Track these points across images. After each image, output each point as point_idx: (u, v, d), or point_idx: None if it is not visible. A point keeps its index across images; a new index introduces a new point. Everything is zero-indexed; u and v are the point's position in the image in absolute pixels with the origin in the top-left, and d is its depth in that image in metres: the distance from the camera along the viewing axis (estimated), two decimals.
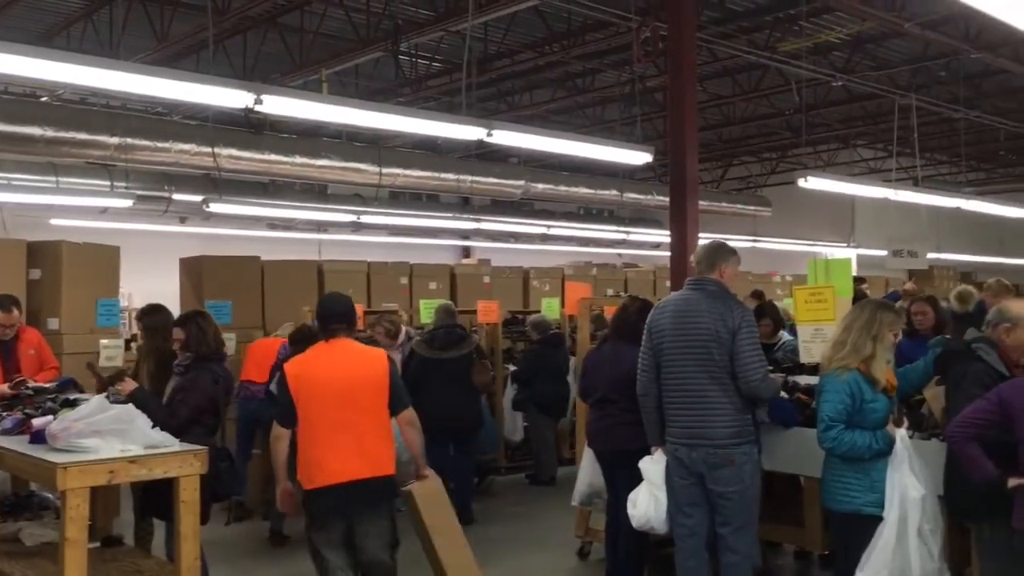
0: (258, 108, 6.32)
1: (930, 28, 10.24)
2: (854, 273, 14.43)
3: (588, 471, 5.81)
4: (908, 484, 3.86)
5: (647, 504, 4.53)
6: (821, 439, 3.99)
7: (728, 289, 4.50)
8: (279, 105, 6.53)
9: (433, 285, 11.89)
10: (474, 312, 9.49)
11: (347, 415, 4.15)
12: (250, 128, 11.60)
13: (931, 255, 16.92)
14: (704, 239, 15.73)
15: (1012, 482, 3.54)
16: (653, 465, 4.55)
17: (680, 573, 4.49)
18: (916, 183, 14.89)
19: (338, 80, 12.60)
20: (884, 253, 15.33)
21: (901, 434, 3.91)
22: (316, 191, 16.73)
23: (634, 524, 4.61)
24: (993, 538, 3.93)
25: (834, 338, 4.16)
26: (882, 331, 4.02)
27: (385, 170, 12.61)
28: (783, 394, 4.97)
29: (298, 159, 11.81)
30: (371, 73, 12.97)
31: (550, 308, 9.79)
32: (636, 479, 4.79)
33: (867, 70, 13.27)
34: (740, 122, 17.02)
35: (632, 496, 4.62)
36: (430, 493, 4.74)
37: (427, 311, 9.12)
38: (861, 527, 3.97)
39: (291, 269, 9.71)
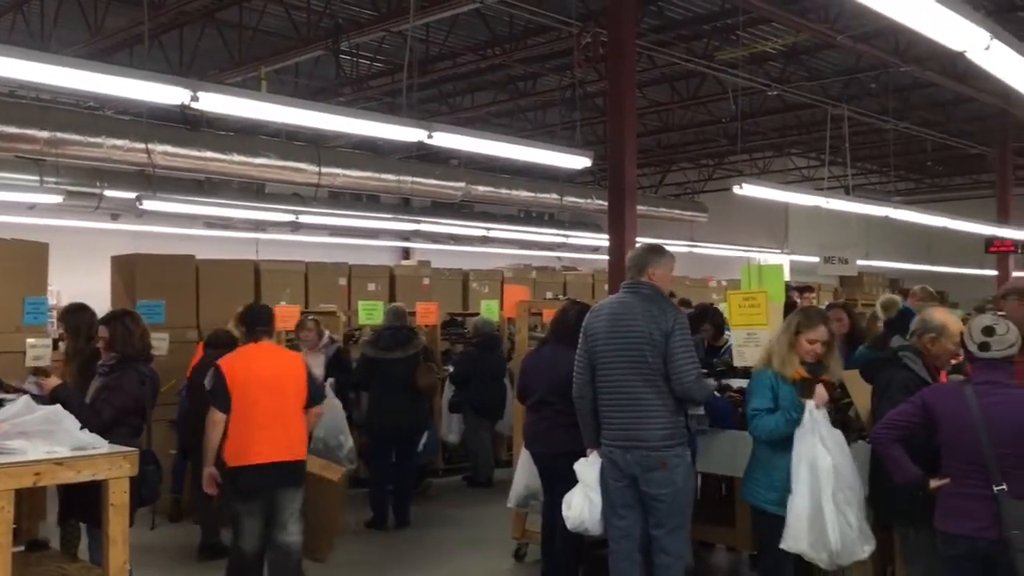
0: (194, 105, 6.21)
1: (861, 41, 10.51)
2: (787, 279, 14.75)
3: (524, 473, 5.80)
4: (817, 454, 4.02)
5: (581, 506, 4.55)
6: (750, 430, 4.32)
7: (662, 292, 4.53)
8: (216, 102, 6.43)
9: (372, 286, 11.82)
10: (413, 314, 9.46)
11: (275, 406, 4.85)
12: (186, 125, 11.40)
13: (861, 262, 17.35)
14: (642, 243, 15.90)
15: (933, 483, 3.64)
16: (587, 467, 4.57)
17: (613, 574, 4.52)
18: (847, 192, 15.25)
19: (277, 78, 12.47)
20: (816, 259, 15.66)
21: (810, 405, 4.10)
22: (254, 190, 16.50)
23: (568, 525, 4.63)
24: (918, 540, 4.07)
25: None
26: (786, 335, 4.35)
27: (325, 170, 12.50)
28: (716, 394, 5.06)
29: (236, 157, 11.64)
30: (311, 72, 12.86)
31: (489, 310, 9.80)
32: (573, 481, 4.80)
33: (801, 80, 13.59)
34: (678, 128, 17.28)
35: (567, 498, 4.64)
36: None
37: (366, 312, 9.07)
38: (765, 523, 4.23)
39: (227, 269, 9.55)
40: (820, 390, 4.14)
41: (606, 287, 9.81)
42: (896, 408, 3.82)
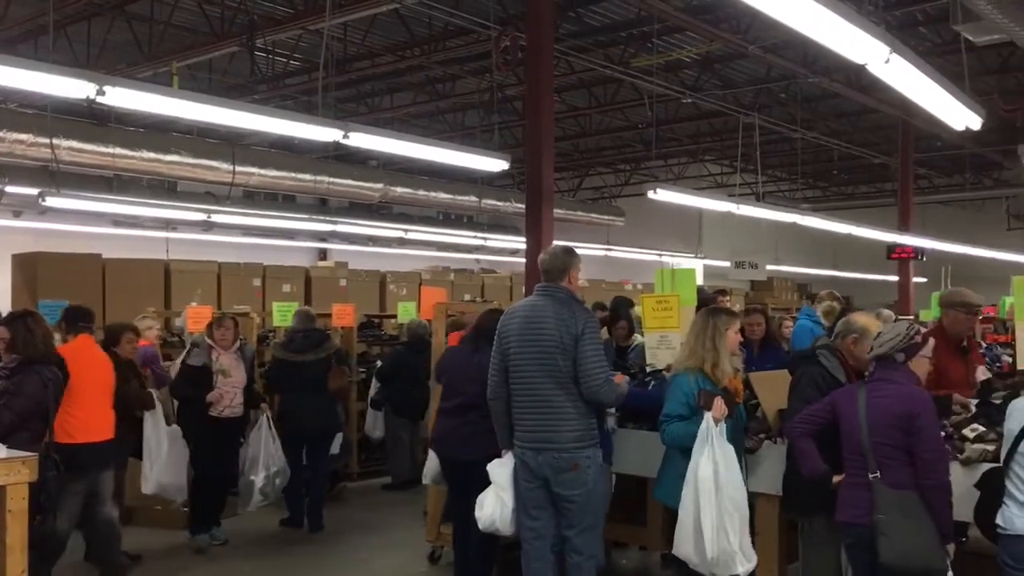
0: (100, 100, 6.02)
1: (772, 52, 10.81)
2: (700, 283, 15.04)
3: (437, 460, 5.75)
4: (702, 465, 4.05)
5: (493, 506, 4.55)
6: (660, 434, 4.35)
7: (575, 295, 4.58)
8: (123, 97, 6.24)
9: (287, 287, 11.67)
10: (329, 315, 9.36)
11: (104, 389, 5.35)
12: (93, 120, 11.05)
13: (771, 267, 17.86)
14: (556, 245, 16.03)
15: (836, 479, 3.88)
16: (500, 468, 4.59)
17: (526, 574, 4.54)
18: (758, 198, 15.71)
19: (190, 74, 12.19)
20: (728, 264, 16.06)
21: (708, 417, 4.10)
22: (165, 188, 16.09)
23: (480, 526, 4.63)
24: (812, 531, 4.27)
25: (683, 344, 4.54)
26: (718, 333, 4.32)
27: (239, 168, 12.28)
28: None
29: (145, 154, 11.34)
30: (225, 68, 12.61)
31: (406, 312, 9.77)
32: (483, 484, 4.85)
33: (714, 88, 13.90)
34: (596, 133, 17.49)
35: (480, 498, 4.64)
36: None
37: (280, 314, 8.94)
38: (670, 517, 4.35)
39: (135, 268, 9.33)
40: (719, 403, 4.13)
41: (523, 290, 9.85)
42: (813, 405, 4.03)
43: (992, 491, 3.83)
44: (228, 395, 6.47)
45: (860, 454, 3.76)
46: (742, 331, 6.73)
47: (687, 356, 4.40)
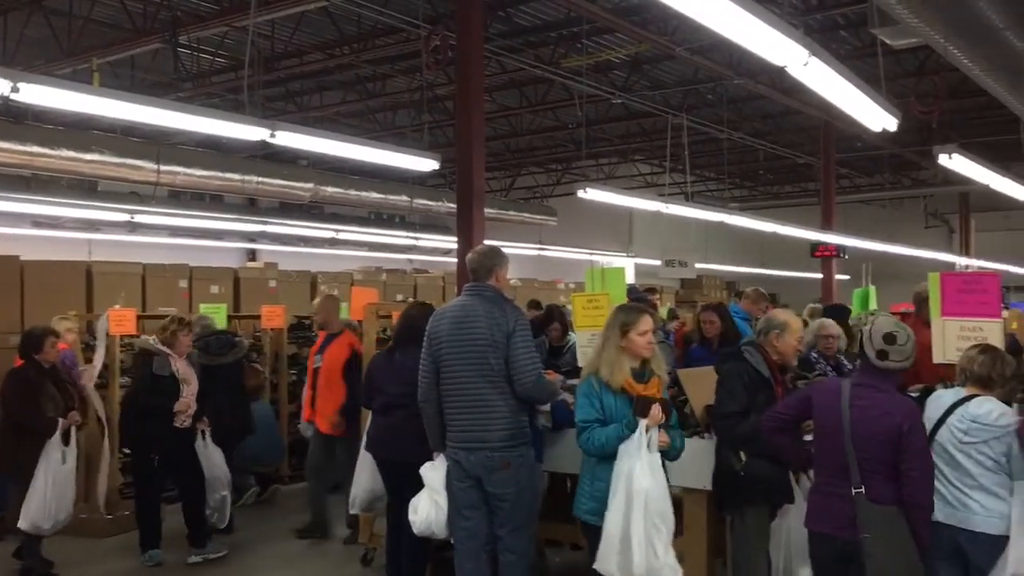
0: (15, 97, 5.82)
1: (699, 54, 10.98)
2: (631, 282, 15.23)
3: (366, 476, 5.70)
4: (636, 475, 3.82)
5: (428, 510, 4.53)
6: (579, 443, 4.04)
7: (503, 294, 4.59)
8: (39, 95, 6.02)
9: (215, 289, 11.44)
10: (258, 317, 9.23)
11: None
12: (9, 118, 10.70)
13: (700, 265, 18.14)
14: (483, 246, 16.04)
15: (803, 478, 4.00)
16: (433, 471, 4.57)
17: (459, 574, 4.54)
18: (687, 198, 15.95)
19: (112, 71, 11.89)
20: (658, 263, 16.26)
21: (642, 426, 3.86)
22: (86, 187, 15.65)
23: (415, 530, 4.60)
24: (744, 527, 4.35)
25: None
26: (611, 334, 4.05)
27: (164, 168, 11.97)
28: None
29: (65, 152, 10.97)
30: (148, 66, 12.33)
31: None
32: (421, 484, 4.81)
33: (644, 89, 14.08)
34: (527, 133, 17.57)
35: (413, 502, 4.61)
36: None
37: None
38: (588, 535, 4.07)
39: (56, 270, 9.05)
40: (656, 411, 3.88)
41: (456, 290, 9.84)
42: (784, 401, 4.10)
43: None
44: (190, 404, 6.30)
45: (842, 464, 3.60)
46: (699, 328, 6.87)
47: (592, 358, 4.17)
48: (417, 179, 16.61)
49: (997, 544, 3.68)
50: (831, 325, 6.23)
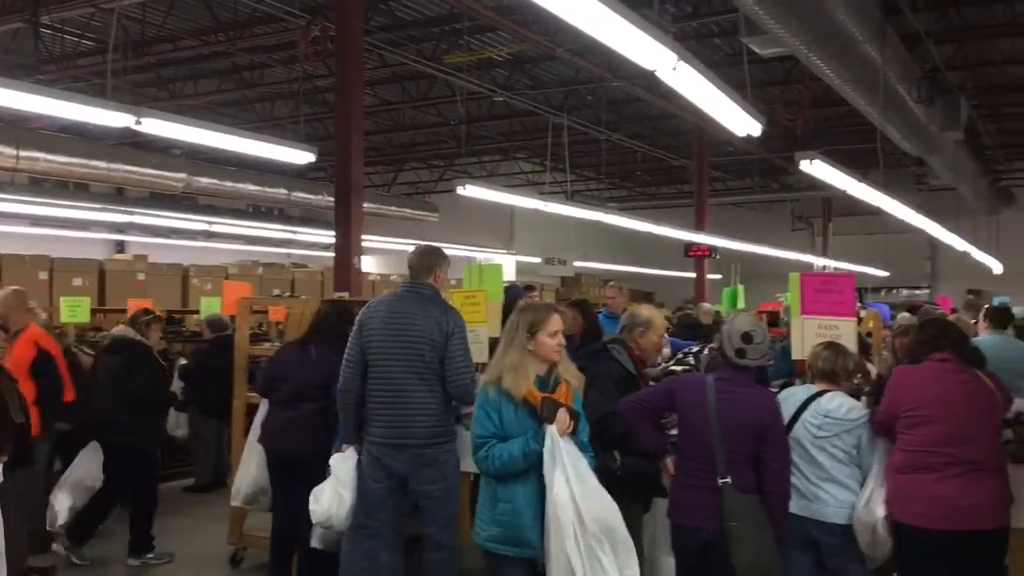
0: None
1: (579, 55, 11.15)
2: (512, 279, 15.29)
3: (253, 468, 5.58)
4: (559, 492, 3.43)
5: (331, 501, 4.41)
6: (476, 461, 3.62)
7: (439, 293, 4.61)
8: None
9: (78, 281, 10.98)
10: (124, 311, 8.87)
11: None
12: None
13: (579, 263, 18.48)
14: (370, 242, 15.88)
15: (668, 461, 4.00)
16: (344, 463, 4.46)
17: (350, 572, 4.46)
18: (568, 196, 16.17)
19: None
20: (538, 260, 16.46)
21: (552, 432, 3.46)
22: None
23: (314, 519, 4.50)
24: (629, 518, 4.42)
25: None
26: (519, 335, 3.65)
27: (24, 153, 11.34)
28: None
29: None
30: (8, 46, 11.68)
31: (210, 307, 9.41)
32: (313, 482, 4.78)
33: (526, 88, 14.20)
34: (409, 128, 17.48)
35: (316, 491, 4.48)
36: None
37: (69, 309, 8.41)
38: (493, 565, 3.65)
39: None
40: (563, 415, 3.49)
41: (333, 285, 9.72)
42: (646, 390, 4.15)
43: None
44: None
45: (707, 457, 3.71)
46: None
47: (492, 365, 3.74)
48: (296, 172, 16.30)
49: (847, 533, 3.88)
50: None
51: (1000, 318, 7.09)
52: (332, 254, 9.53)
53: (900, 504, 3.79)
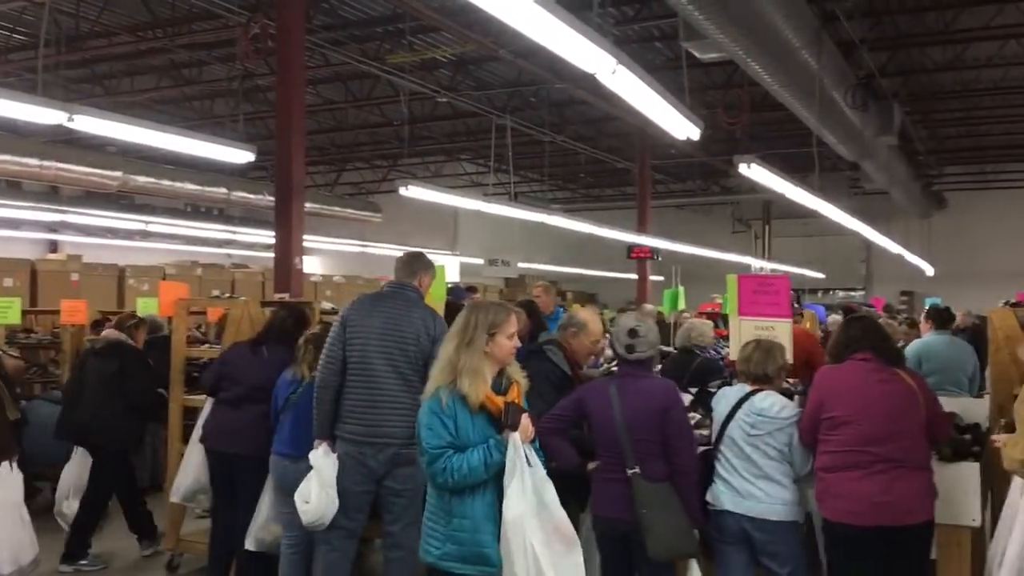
0: None
1: (522, 57, 11.19)
2: (456, 280, 15.28)
3: (194, 465, 5.52)
4: (514, 503, 3.21)
5: (321, 502, 4.34)
6: (430, 474, 3.34)
7: (423, 297, 4.63)
8: None
9: (9, 281, 10.70)
10: (57, 312, 8.67)
11: None
12: None
13: (523, 264, 18.52)
14: (312, 242, 15.77)
15: (590, 465, 4.04)
16: (326, 461, 4.39)
17: (327, 571, 4.45)
18: (512, 198, 16.23)
19: None
20: (482, 261, 16.47)
21: (515, 439, 3.24)
22: None
23: (305, 520, 4.41)
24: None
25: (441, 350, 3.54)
26: (477, 336, 3.39)
27: None
28: None
29: None
30: None
31: (146, 308, 9.21)
32: (258, 486, 4.81)
33: (469, 89, 14.20)
34: (352, 128, 17.35)
35: (302, 492, 4.39)
36: None
37: (1, 310, 8.20)
38: None
39: None
40: (526, 422, 3.29)
41: (273, 286, 9.60)
42: (559, 404, 4.15)
43: (704, 473, 4.21)
44: None
45: (616, 451, 3.84)
46: None
47: (440, 367, 3.43)
48: (237, 171, 16.06)
49: (780, 528, 3.95)
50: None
51: (942, 319, 7.42)
52: (273, 254, 9.41)
53: (827, 502, 3.88)
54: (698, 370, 6.14)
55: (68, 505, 6.15)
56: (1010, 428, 3.65)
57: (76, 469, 6.23)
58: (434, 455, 3.28)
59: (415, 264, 4.67)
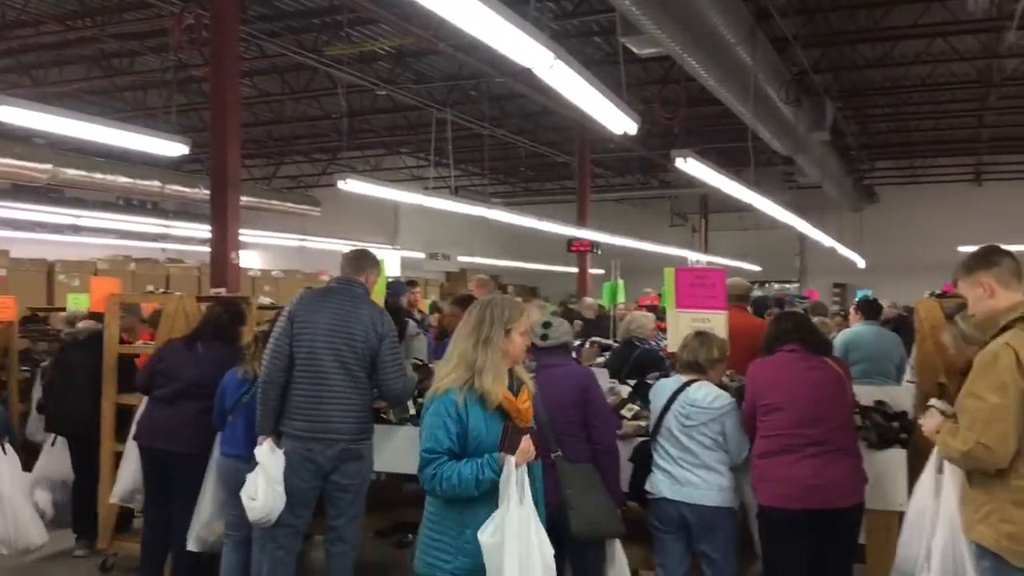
0: None
1: (462, 50, 11.16)
2: (396, 274, 15.16)
3: (133, 466, 5.42)
4: (522, 520, 3.01)
5: (268, 498, 4.30)
6: (420, 479, 3.14)
7: (370, 295, 4.66)
8: None
9: None
10: None
11: None
12: None
13: (464, 258, 18.50)
14: (250, 236, 15.50)
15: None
16: (272, 458, 4.35)
17: (272, 569, 4.40)
18: (452, 192, 16.17)
19: None
20: (422, 255, 16.42)
21: (510, 464, 3.02)
22: None
23: (252, 517, 4.37)
24: None
25: (451, 346, 3.34)
26: (494, 334, 3.20)
27: None
28: None
29: None
30: None
31: (77, 303, 9.00)
32: (196, 485, 4.78)
33: (409, 82, 14.12)
34: (290, 121, 17.14)
35: (248, 490, 4.34)
36: None
37: None
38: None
39: None
40: (527, 443, 3.07)
41: (210, 280, 9.45)
42: None
43: (643, 462, 4.29)
44: None
45: (542, 436, 3.85)
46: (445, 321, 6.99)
47: (454, 364, 3.21)
48: (171, 163, 15.74)
49: (716, 514, 4.05)
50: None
51: (871, 309, 7.71)
52: (209, 249, 9.26)
53: (761, 488, 4.01)
54: (638, 362, 6.23)
55: (40, 497, 6.12)
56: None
57: (49, 460, 6.26)
58: (428, 459, 3.09)
59: (363, 261, 4.70)
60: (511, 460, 3.01)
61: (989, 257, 3.17)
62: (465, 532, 3.07)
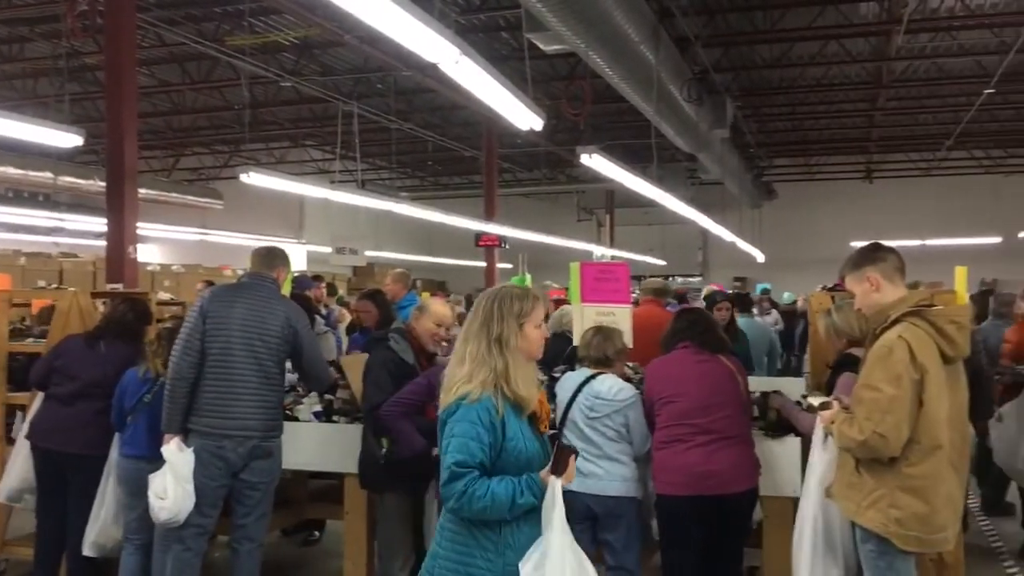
0: None
1: (368, 43, 11.04)
2: (302, 269, 14.90)
3: (21, 465, 5.22)
4: (565, 549, 2.62)
5: (178, 498, 4.21)
6: (445, 495, 2.67)
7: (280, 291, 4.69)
8: None
9: None
10: None
11: None
12: None
13: (371, 253, 18.33)
14: (148, 229, 15.04)
15: (435, 450, 4.03)
16: (181, 457, 4.25)
17: (179, 571, 4.33)
18: (360, 185, 16.00)
19: None
20: (329, 250, 16.20)
21: (555, 487, 2.62)
22: None
23: (161, 518, 4.27)
24: (385, 505, 4.55)
25: (458, 345, 2.88)
26: (507, 329, 2.77)
27: None
28: None
29: None
30: None
31: None
32: (93, 485, 4.68)
33: (314, 74, 13.91)
34: (191, 112, 16.69)
35: (157, 489, 4.25)
36: None
37: None
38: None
39: None
40: (573, 464, 2.70)
41: (105, 275, 9.15)
42: (407, 387, 4.21)
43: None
44: None
45: None
46: (357, 317, 6.92)
47: (472, 370, 2.73)
48: (64, 154, 15.12)
49: (619, 504, 4.15)
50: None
51: (743, 303, 8.38)
52: (105, 243, 8.96)
53: (658, 477, 4.15)
54: (572, 355, 6.24)
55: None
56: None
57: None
58: (457, 472, 2.62)
59: (274, 258, 4.70)
60: (557, 483, 2.62)
61: (874, 254, 3.32)
62: (507, 553, 2.65)
